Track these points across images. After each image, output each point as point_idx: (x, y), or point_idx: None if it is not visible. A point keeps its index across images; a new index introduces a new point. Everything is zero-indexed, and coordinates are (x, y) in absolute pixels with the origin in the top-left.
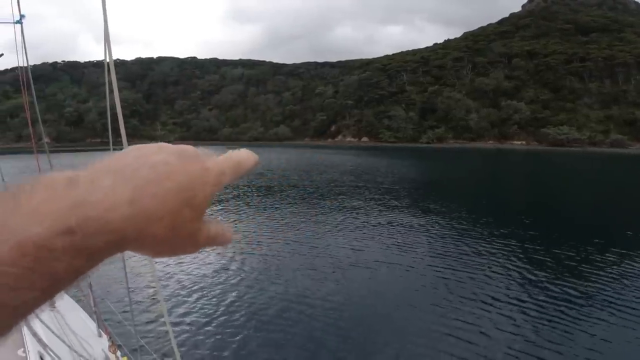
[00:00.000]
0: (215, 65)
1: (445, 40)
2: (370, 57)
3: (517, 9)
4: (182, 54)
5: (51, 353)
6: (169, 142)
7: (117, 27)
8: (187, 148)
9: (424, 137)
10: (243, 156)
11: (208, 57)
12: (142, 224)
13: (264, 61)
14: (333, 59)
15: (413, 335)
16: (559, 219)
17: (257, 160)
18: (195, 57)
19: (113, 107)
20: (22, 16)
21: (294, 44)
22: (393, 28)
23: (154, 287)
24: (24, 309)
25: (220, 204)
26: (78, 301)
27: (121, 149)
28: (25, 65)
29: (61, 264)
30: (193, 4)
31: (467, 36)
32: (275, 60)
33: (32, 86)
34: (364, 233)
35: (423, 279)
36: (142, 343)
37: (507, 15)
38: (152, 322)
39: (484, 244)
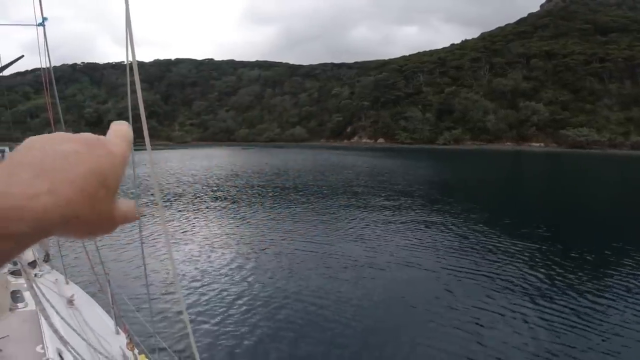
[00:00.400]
0: (232, 66)
1: (462, 40)
2: (386, 57)
3: (535, 8)
4: (199, 56)
5: (70, 350)
6: (186, 142)
7: (135, 29)
8: (88, 135)
9: (441, 139)
10: (125, 130)
11: (225, 58)
12: (64, 210)
13: (280, 62)
14: (349, 59)
15: (428, 335)
16: (579, 222)
17: (128, 128)
18: (212, 59)
19: (134, 108)
20: (44, 19)
21: (310, 45)
22: (409, 28)
23: (172, 285)
24: None
25: (236, 203)
26: (96, 298)
27: (143, 149)
28: (48, 66)
29: None
30: (210, 6)
31: (484, 36)
32: (291, 62)
33: (55, 87)
34: (380, 233)
35: (439, 280)
36: (159, 341)
37: (525, 15)
38: (170, 320)
39: (501, 247)
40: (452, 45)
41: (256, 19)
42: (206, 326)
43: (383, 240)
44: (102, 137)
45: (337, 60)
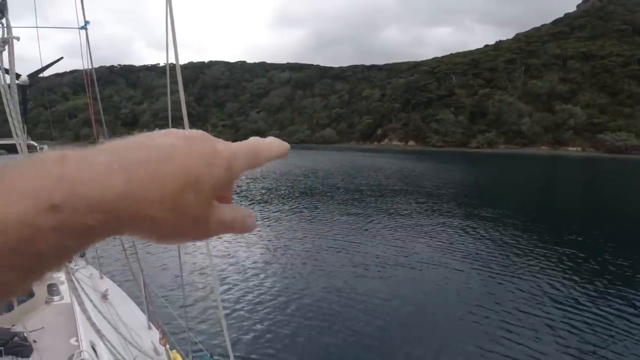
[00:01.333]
0: (263, 68)
1: (496, 41)
2: (418, 59)
3: (571, 8)
4: (231, 58)
5: (104, 342)
6: None
7: (170, 34)
8: (197, 132)
9: (474, 142)
10: (263, 143)
11: (256, 61)
12: (138, 205)
13: (310, 64)
14: (380, 61)
15: (455, 337)
16: (617, 229)
17: (285, 149)
18: (244, 61)
19: (173, 109)
20: (86, 22)
21: (340, 47)
22: (441, 29)
23: (209, 283)
24: (6, 288)
25: (266, 202)
26: (129, 293)
27: None
28: (90, 68)
29: (47, 243)
30: (241, 10)
31: (519, 37)
32: (321, 64)
33: (97, 88)
34: (409, 235)
35: (469, 282)
36: (192, 337)
37: (561, 15)
38: (204, 317)
39: (535, 253)
40: (486, 46)
41: (286, 21)
42: (240, 324)
43: (413, 241)
44: (212, 137)
45: (367, 62)
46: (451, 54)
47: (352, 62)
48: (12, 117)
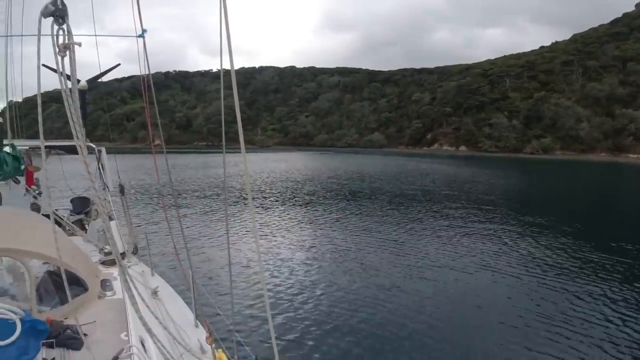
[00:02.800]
0: (312, 73)
1: (552, 42)
2: (469, 61)
3: (629, 8)
4: (281, 64)
5: (153, 339)
6: (267, 146)
7: (224, 40)
8: None
9: (528, 147)
10: None
11: (305, 65)
12: None
13: (359, 69)
14: (430, 64)
15: (503, 342)
16: None
17: None
18: (294, 66)
19: (220, 113)
20: (144, 30)
21: (389, 50)
22: (493, 30)
23: (258, 285)
24: None
25: (313, 204)
26: (178, 291)
27: (237, 152)
28: (147, 74)
29: None
30: (291, 16)
31: (576, 38)
32: (371, 68)
33: (153, 93)
34: (460, 239)
35: (518, 289)
36: (239, 338)
37: (619, 15)
38: (251, 318)
39: (590, 262)
40: (542, 47)
41: (334, 25)
42: (288, 328)
43: (462, 246)
44: None
45: (417, 65)
46: (504, 55)
47: (402, 66)
48: (72, 120)
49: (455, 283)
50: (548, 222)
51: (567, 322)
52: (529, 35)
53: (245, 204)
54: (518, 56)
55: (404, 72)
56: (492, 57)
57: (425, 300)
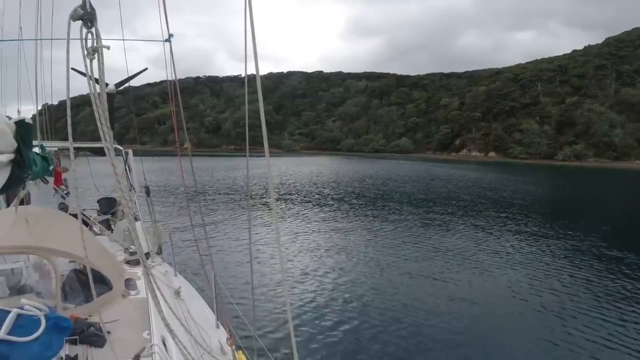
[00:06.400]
0: (340, 78)
1: (585, 46)
2: (498, 66)
3: None
4: (309, 69)
5: (174, 338)
6: (294, 151)
7: (250, 46)
8: None
9: (560, 154)
10: None
11: (332, 70)
12: None
13: (387, 73)
14: (459, 69)
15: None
16: None
17: None
18: (321, 71)
19: (250, 117)
20: (170, 35)
21: (417, 54)
22: (524, 34)
23: (279, 287)
24: None
25: (338, 208)
26: (200, 292)
27: (261, 156)
28: (173, 78)
29: None
30: (317, 21)
31: (609, 41)
32: (398, 72)
33: (180, 97)
34: (485, 247)
35: (544, 299)
36: (259, 341)
37: None
38: (271, 320)
39: (621, 272)
40: (574, 51)
41: (361, 30)
42: (308, 332)
43: (490, 254)
44: None
45: (445, 70)
46: (536, 60)
47: (430, 70)
48: (100, 122)
49: (483, 288)
50: (580, 231)
51: (598, 331)
52: (560, 39)
53: (269, 209)
54: (550, 60)
55: (432, 77)
56: (523, 62)
57: (452, 304)
